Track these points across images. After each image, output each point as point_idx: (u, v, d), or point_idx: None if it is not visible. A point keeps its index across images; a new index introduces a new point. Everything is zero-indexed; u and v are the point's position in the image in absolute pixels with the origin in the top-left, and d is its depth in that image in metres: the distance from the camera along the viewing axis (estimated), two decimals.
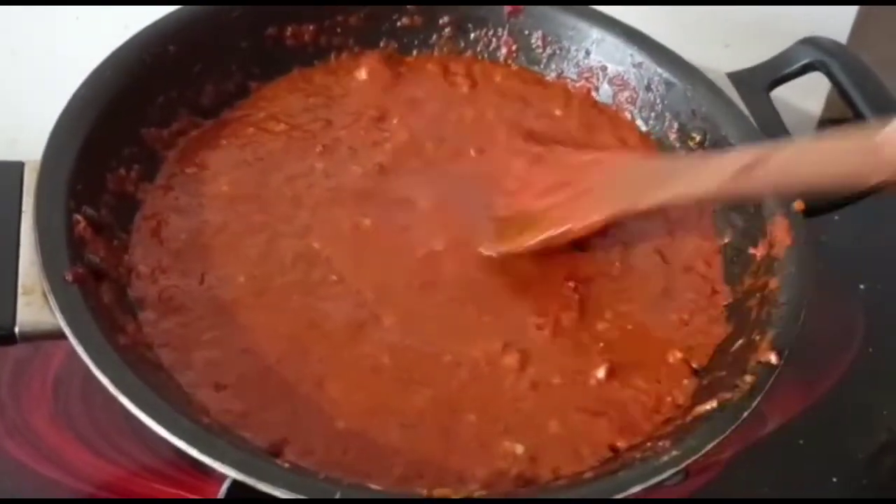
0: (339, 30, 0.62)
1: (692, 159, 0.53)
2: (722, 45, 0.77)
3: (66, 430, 0.58)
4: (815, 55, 0.60)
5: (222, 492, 0.49)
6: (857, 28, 0.79)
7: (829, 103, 0.83)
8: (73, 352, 0.41)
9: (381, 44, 0.63)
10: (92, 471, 0.56)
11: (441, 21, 0.64)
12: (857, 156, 0.37)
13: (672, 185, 0.46)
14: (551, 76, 0.64)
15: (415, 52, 0.64)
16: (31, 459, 0.56)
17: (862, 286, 0.71)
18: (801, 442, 0.62)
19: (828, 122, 0.84)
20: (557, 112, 0.62)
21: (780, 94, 0.63)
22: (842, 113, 0.67)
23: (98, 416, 0.58)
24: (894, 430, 0.64)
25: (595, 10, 0.63)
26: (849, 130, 0.43)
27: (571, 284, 0.51)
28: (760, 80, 0.61)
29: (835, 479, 0.60)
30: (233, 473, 0.37)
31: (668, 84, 0.60)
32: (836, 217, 0.70)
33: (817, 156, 0.41)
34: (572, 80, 0.63)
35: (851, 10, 0.76)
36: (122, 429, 0.57)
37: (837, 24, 0.75)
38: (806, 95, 0.81)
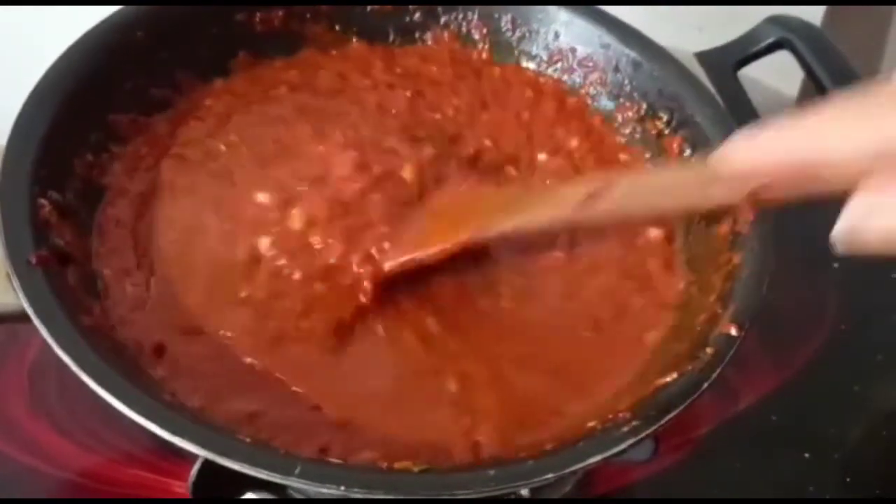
0: (308, 15, 0.62)
1: (542, 189, 0.54)
2: (695, 29, 0.78)
3: (43, 418, 0.58)
4: (781, 33, 0.60)
5: (192, 473, 0.49)
6: (830, 13, 0.79)
7: (804, 85, 0.84)
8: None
9: (354, 29, 0.64)
10: (69, 458, 0.56)
11: (411, 6, 0.64)
12: (695, 183, 0.39)
13: (519, 214, 0.48)
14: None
15: (391, 38, 0.64)
16: (8, 447, 0.57)
17: (835, 264, 0.71)
18: (773, 418, 0.62)
19: (804, 103, 0.84)
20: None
21: (756, 75, 0.64)
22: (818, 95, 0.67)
23: (74, 404, 0.58)
24: (865, 405, 0.64)
25: None
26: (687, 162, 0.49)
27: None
28: (727, 60, 0.61)
29: (807, 455, 0.60)
30: (194, 449, 0.38)
31: (636, 64, 0.60)
32: None
33: (658, 186, 0.43)
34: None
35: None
36: (97, 415, 0.58)
37: (811, 9, 0.76)
38: (781, 77, 0.81)
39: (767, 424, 0.62)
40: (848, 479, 0.60)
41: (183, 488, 0.55)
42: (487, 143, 0.58)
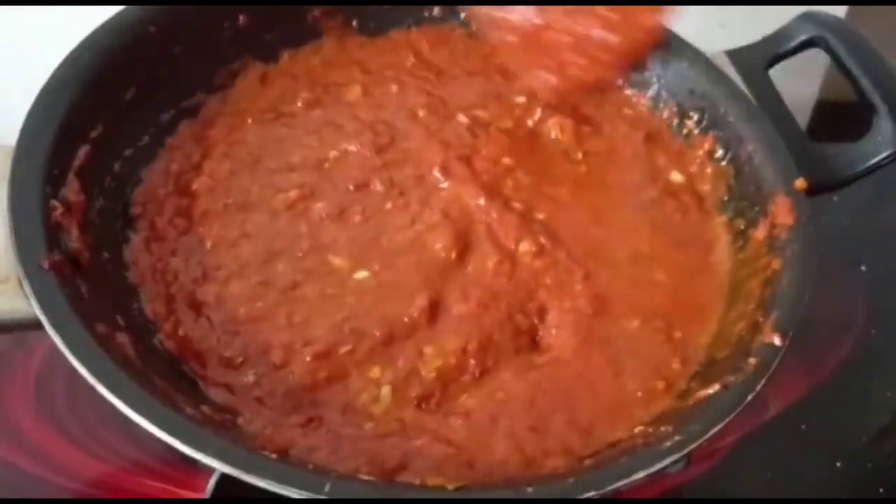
0: (325, 10, 0.61)
1: None
2: (718, 25, 0.76)
3: (51, 426, 0.56)
4: (814, 30, 0.58)
5: (210, 486, 0.47)
6: (851, 13, 0.78)
7: (825, 85, 0.82)
8: (56, 346, 0.39)
9: (371, 25, 0.62)
10: (78, 467, 0.55)
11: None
12: None
13: None
14: None
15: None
16: (15, 456, 0.55)
17: (863, 268, 0.70)
18: (803, 427, 0.61)
19: (825, 103, 0.83)
20: None
21: (777, 76, 0.62)
22: (839, 95, 0.66)
23: (83, 411, 0.56)
24: None
25: None
26: None
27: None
28: (759, 58, 0.59)
29: (838, 464, 0.59)
30: (217, 465, 0.36)
31: (665, 62, 0.59)
32: (836, 198, 0.69)
33: None
34: None
35: None
36: (108, 424, 0.56)
37: (832, 9, 0.74)
38: (802, 78, 0.80)
39: (797, 433, 0.60)
40: (881, 490, 0.58)
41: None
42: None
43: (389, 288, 0.48)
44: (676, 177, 0.56)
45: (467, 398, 0.45)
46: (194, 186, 0.52)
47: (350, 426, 0.43)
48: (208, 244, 0.49)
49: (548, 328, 0.48)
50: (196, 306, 0.47)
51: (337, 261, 0.49)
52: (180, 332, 0.46)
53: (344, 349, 0.45)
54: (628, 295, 0.49)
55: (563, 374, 0.46)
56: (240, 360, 0.45)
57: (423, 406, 0.45)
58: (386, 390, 0.45)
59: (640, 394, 0.46)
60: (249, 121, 0.56)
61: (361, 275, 0.49)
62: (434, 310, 0.47)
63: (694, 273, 0.51)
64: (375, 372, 0.46)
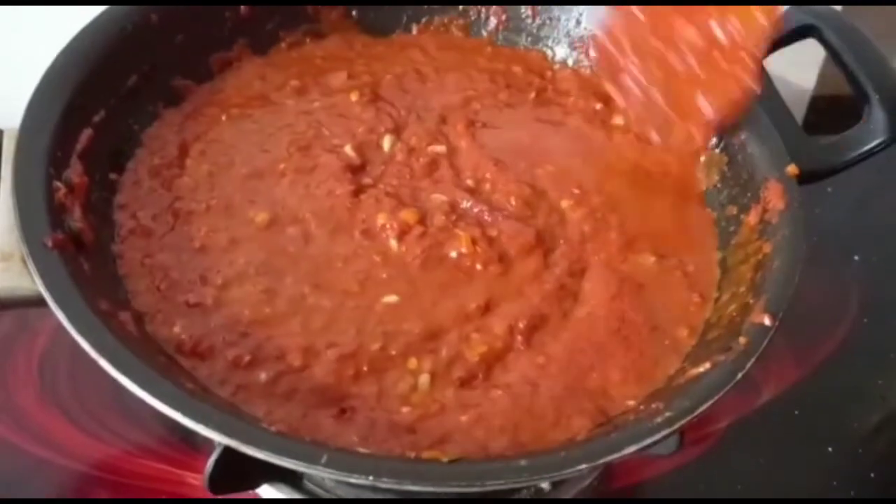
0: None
1: None
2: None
3: (54, 408, 0.57)
4: (808, 20, 0.59)
5: (209, 464, 0.48)
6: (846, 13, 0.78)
7: (821, 80, 0.83)
8: (59, 329, 0.40)
9: (371, 15, 0.63)
10: (81, 449, 0.56)
11: None
12: None
13: None
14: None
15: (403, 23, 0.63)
16: (19, 438, 0.56)
17: (856, 257, 0.70)
18: (796, 412, 0.61)
19: (820, 98, 0.84)
20: None
21: (773, 69, 0.63)
22: (834, 89, 0.66)
23: (85, 394, 0.57)
24: (889, 399, 0.63)
25: None
26: None
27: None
28: None
29: (830, 449, 0.60)
30: (217, 437, 0.37)
31: None
32: (830, 189, 0.70)
33: None
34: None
35: None
36: (109, 406, 0.57)
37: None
38: (798, 72, 0.80)
39: (790, 418, 0.61)
40: (872, 475, 0.59)
41: (197, 480, 0.54)
42: None
43: (427, 303, 0.47)
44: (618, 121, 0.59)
45: (510, 371, 0.45)
46: (177, 183, 0.51)
47: (385, 411, 0.43)
48: (197, 244, 0.48)
49: (585, 283, 0.49)
50: (191, 305, 0.46)
51: (352, 287, 0.48)
52: (176, 329, 0.45)
53: (375, 346, 0.45)
54: (641, 232, 0.52)
55: (599, 328, 0.47)
56: (247, 358, 0.44)
57: (465, 386, 0.45)
58: (424, 378, 0.44)
59: (667, 342, 0.47)
60: (224, 117, 0.55)
61: (390, 299, 0.47)
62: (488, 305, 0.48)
63: (681, 203, 0.55)
64: (413, 363, 0.45)
